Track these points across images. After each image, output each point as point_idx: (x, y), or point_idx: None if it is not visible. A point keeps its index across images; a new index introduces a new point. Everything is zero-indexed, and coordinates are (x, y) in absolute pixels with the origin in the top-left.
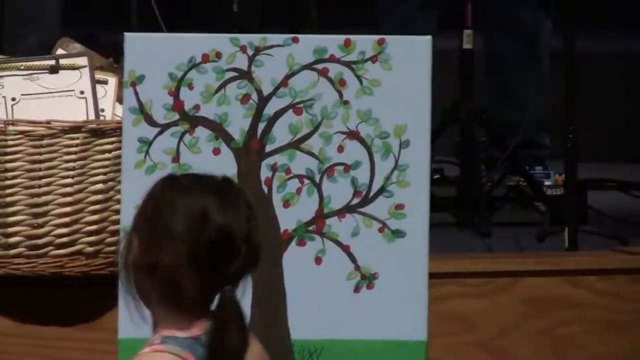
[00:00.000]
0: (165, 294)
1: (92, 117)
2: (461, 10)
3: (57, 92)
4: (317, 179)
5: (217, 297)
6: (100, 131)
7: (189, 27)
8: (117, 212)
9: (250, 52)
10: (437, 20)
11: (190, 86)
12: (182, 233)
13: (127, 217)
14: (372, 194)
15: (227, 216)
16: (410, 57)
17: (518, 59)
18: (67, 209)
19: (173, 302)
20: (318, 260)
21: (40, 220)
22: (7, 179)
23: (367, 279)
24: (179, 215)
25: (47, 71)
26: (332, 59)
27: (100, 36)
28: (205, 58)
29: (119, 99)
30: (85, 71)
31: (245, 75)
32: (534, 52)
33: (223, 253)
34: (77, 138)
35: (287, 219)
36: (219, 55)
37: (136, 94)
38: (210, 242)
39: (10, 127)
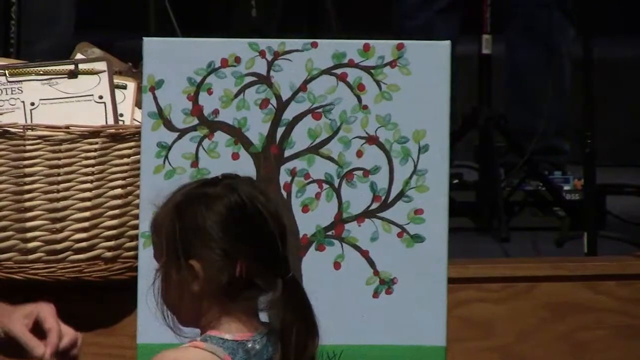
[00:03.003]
0: (234, 301)
1: (111, 122)
2: (481, 16)
3: (76, 96)
4: (336, 183)
5: (279, 284)
6: (119, 136)
7: (207, 32)
8: (136, 217)
9: (269, 57)
10: (458, 25)
11: (209, 91)
12: (252, 235)
13: (146, 222)
14: (391, 198)
15: (272, 203)
16: (429, 62)
17: (538, 66)
18: (86, 214)
19: (239, 307)
20: (337, 265)
21: (58, 225)
22: (25, 183)
23: (386, 284)
24: (242, 220)
25: (65, 76)
26: (351, 64)
27: (116, 43)
28: (224, 63)
29: (138, 104)
30: (104, 76)
31: (264, 80)
32: (555, 59)
33: (280, 238)
34: (96, 143)
35: (306, 224)
36: (238, 60)
37: (155, 98)
38: (271, 232)
39: (29, 132)
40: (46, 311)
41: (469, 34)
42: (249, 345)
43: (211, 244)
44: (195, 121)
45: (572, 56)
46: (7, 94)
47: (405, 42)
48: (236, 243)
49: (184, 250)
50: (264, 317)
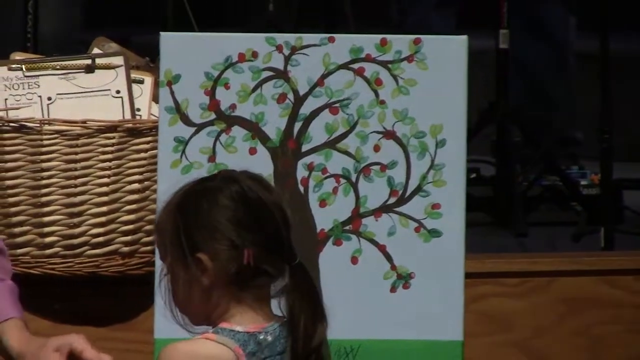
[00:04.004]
0: (244, 291)
1: (128, 116)
2: (478, 10)
3: (93, 91)
4: (353, 178)
5: (288, 273)
6: (136, 131)
7: (224, 27)
8: (153, 211)
9: (286, 52)
10: (455, 20)
11: (227, 85)
12: (256, 222)
13: None
14: (408, 193)
15: (272, 191)
16: (446, 57)
17: (544, 58)
18: (103, 209)
19: (250, 297)
20: (354, 260)
21: (76, 220)
22: (43, 178)
23: (404, 279)
24: (245, 208)
25: (82, 70)
26: (368, 59)
27: (133, 37)
28: (242, 57)
29: (155, 99)
30: (121, 70)
31: (281, 74)
32: (559, 50)
33: (284, 224)
34: (113, 137)
35: (324, 219)
36: (255, 54)
37: (172, 93)
38: (275, 219)
39: (46, 127)
40: (81, 342)
41: (483, 29)
42: (261, 337)
43: (216, 235)
44: (213, 116)
45: (574, 47)
46: (24, 88)
47: (422, 36)
48: (241, 231)
49: (189, 245)
50: (277, 310)
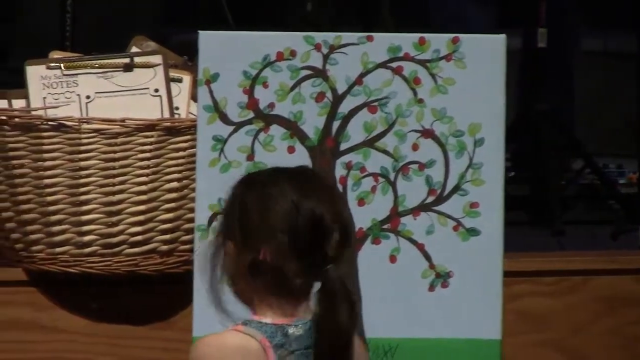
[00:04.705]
0: (266, 285)
1: (166, 115)
2: (536, 10)
3: (132, 90)
4: (391, 177)
5: (321, 278)
6: (174, 129)
7: (262, 26)
8: (192, 210)
9: (324, 51)
10: (489, 15)
11: (265, 84)
12: (278, 225)
13: (201, 215)
14: (446, 192)
15: (313, 199)
16: (484, 56)
17: (552, 58)
18: (142, 208)
19: (274, 292)
20: (393, 259)
21: (114, 219)
22: (81, 177)
23: (442, 278)
24: (271, 208)
25: (121, 69)
26: (407, 57)
27: (172, 36)
28: (280, 56)
29: (194, 97)
30: (160, 69)
31: (319, 73)
32: (567, 51)
33: (318, 235)
34: (152, 136)
35: (362, 218)
36: (293, 53)
37: (211, 92)
38: (305, 227)
39: (85, 125)
40: None
41: (518, 28)
42: (290, 330)
43: (243, 226)
44: (251, 114)
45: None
46: (62, 87)
47: (460, 35)
48: (266, 227)
49: (225, 231)
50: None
